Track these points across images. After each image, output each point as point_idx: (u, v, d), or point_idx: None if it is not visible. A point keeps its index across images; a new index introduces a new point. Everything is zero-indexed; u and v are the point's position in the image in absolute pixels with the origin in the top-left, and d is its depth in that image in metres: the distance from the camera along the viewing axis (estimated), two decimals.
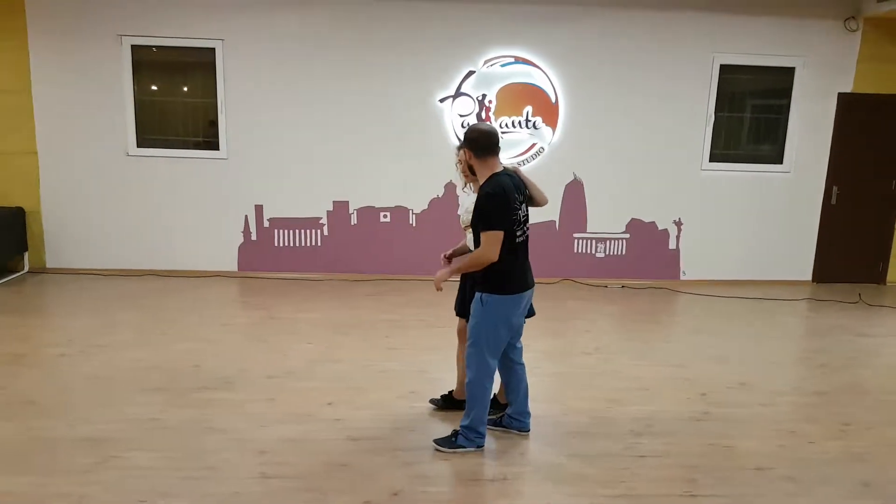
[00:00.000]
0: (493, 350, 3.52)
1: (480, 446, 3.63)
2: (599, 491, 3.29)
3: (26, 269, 7.40)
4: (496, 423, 3.87)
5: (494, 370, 3.58)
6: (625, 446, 3.74)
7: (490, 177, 3.42)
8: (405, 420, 4.02)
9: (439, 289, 3.68)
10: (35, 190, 7.30)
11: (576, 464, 3.56)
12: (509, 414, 3.87)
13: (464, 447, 3.60)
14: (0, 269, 7.15)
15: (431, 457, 3.56)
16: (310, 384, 4.50)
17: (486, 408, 3.60)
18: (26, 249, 7.36)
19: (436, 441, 3.66)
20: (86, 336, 5.38)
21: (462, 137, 3.53)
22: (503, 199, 3.33)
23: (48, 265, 7.47)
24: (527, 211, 3.54)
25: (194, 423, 3.88)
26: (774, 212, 7.90)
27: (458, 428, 3.65)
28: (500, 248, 3.34)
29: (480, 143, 3.45)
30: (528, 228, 3.54)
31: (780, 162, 7.81)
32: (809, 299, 7.34)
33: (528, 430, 3.85)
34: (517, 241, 3.43)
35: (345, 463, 3.49)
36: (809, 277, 8.07)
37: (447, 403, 4.15)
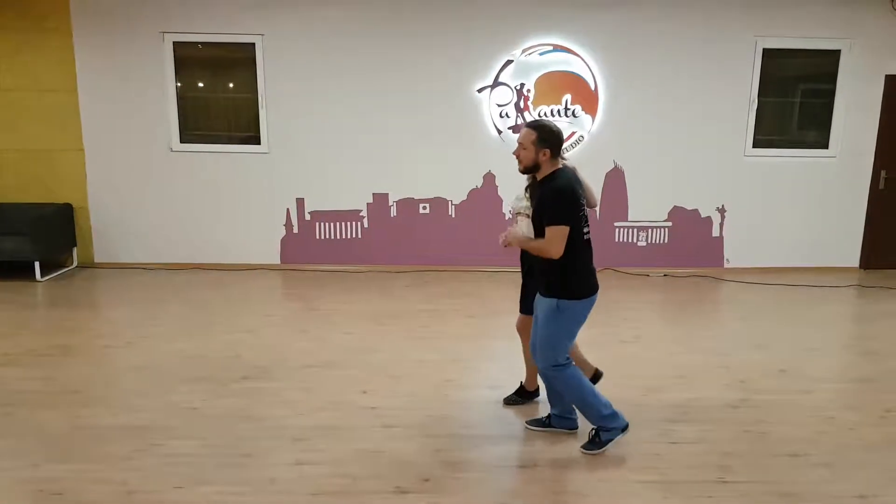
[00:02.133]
0: (563, 352, 3.45)
1: (625, 427, 3.54)
2: (631, 477, 3.27)
3: (75, 263, 7.64)
4: (543, 425, 3.78)
5: (571, 360, 3.50)
6: (659, 433, 3.70)
7: (555, 171, 3.38)
8: (439, 408, 4.05)
9: (508, 244, 3.52)
10: (82, 186, 7.53)
11: (608, 450, 3.53)
12: (555, 414, 3.76)
13: (611, 439, 3.50)
14: (51, 264, 7.39)
15: (463, 444, 3.56)
16: (346, 373, 4.56)
17: (593, 395, 3.48)
18: (75, 245, 7.60)
19: (583, 447, 3.54)
20: (131, 328, 5.54)
21: (543, 134, 3.36)
22: (572, 196, 3.29)
23: (96, 260, 7.70)
24: (586, 210, 3.45)
25: (233, 412, 3.97)
26: (820, 198, 7.69)
27: (593, 429, 3.55)
28: (564, 245, 3.28)
29: (561, 146, 3.39)
30: (589, 227, 3.46)
31: (826, 147, 7.59)
32: (857, 286, 7.14)
33: (577, 428, 3.74)
34: (584, 238, 3.38)
35: (378, 450, 3.53)
36: (857, 264, 7.84)
37: (522, 396, 4.11)
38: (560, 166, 3.41)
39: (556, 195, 3.29)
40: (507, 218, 7.35)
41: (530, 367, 4.05)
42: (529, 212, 3.57)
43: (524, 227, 3.62)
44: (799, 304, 6.46)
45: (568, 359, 3.47)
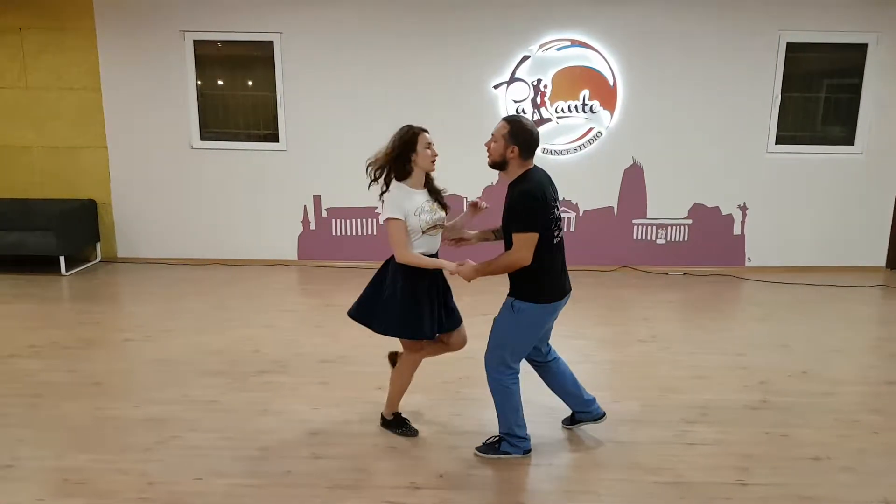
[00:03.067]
0: (516, 356, 3.32)
1: (527, 451, 3.43)
2: (647, 478, 3.25)
3: (98, 258, 7.75)
4: (572, 422, 3.73)
5: (518, 372, 3.36)
6: (676, 434, 3.68)
7: (525, 173, 3.19)
8: (453, 405, 4.07)
9: (468, 279, 3.37)
10: (105, 182, 7.62)
11: (624, 450, 3.52)
12: (575, 410, 3.70)
13: (508, 453, 3.41)
14: (75, 259, 7.50)
15: (477, 441, 3.56)
16: (362, 369, 4.58)
17: (516, 410, 3.37)
18: (98, 240, 7.70)
19: (477, 449, 3.48)
20: (152, 322, 5.60)
21: (514, 129, 3.18)
22: (542, 200, 3.08)
23: (119, 255, 7.80)
24: (559, 211, 3.25)
25: (251, 406, 4.01)
26: (845, 195, 7.57)
27: (498, 434, 3.47)
28: (532, 251, 3.09)
29: (532, 146, 3.20)
30: (562, 229, 3.29)
31: (852, 143, 7.48)
32: (883, 286, 7.02)
33: (603, 415, 3.63)
34: (554, 242, 3.18)
35: (393, 445, 3.55)
36: (883, 263, 7.71)
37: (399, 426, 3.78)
38: (531, 167, 3.21)
39: (526, 200, 3.08)
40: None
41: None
42: (443, 221, 3.45)
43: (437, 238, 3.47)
44: (822, 305, 6.37)
45: (517, 365, 3.34)
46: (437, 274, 3.46)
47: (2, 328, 5.39)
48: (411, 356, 3.56)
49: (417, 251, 3.35)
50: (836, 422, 3.87)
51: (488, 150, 3.29)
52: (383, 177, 3.39)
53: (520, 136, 3.17)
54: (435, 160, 3.45)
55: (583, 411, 3.68)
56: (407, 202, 3.31)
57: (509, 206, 3.18)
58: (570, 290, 3.37)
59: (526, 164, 3.21)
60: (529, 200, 3.09)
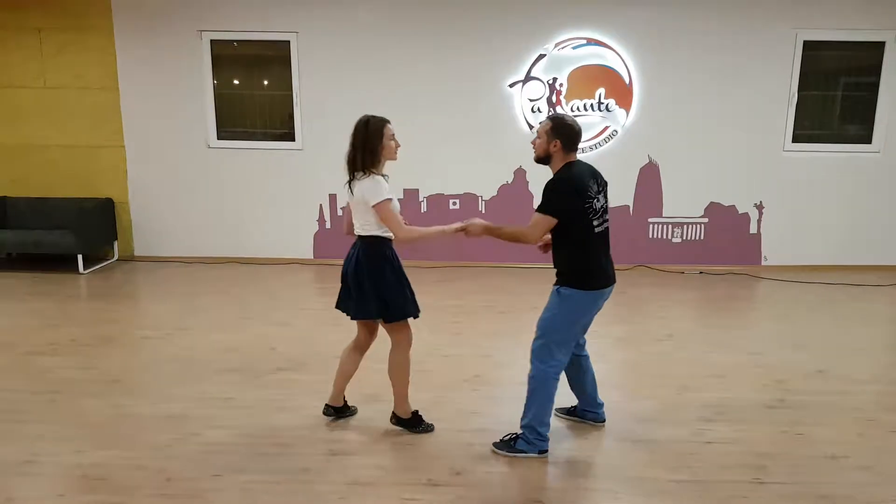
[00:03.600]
0: (563, 346, 3.37)
1: (543, 451, 3.42)
2: (664, 476, 3.24)
3: (115, 257, 7.82)
4: (569, 413, 3.80)
5: (562, 368, 3.42)
6: (693, 432, 3.67)
7: (565, 165, 3.34)
8: (468, 403, 4.07)
9: (465, 231, 3.52)
10: (123, 182, 7.69)
11: (640, 449, 3.52)
12: (581, 407, 3.77)
13: (524, 452, 3.41)
14: (92, 257, 7.57)
15: (492, 438, 3.57)
16: (377, 366, 4.53)
17: (546, 407, 3.40)
18: (116, 238, 7.77)
19: (494, 444, 3.49)
20: (170, 320, 5.65)
21: (557, 125, 3.32)
22: (569, 189, 3.23)
23: (136, 253, 7.87)
24: (605, 201, 3.37)
25: (268, 403, 4.04)
26: (863, 194, 7.51)
27: (518, 431, 3.47)
28: (542, 233, 3.31)
29: (574, 140, 3.34)
30: (607, 220, 3.39)
31: (869, 142, 7.42)
32: None
33: (604, 421, 3.74)
34: (595, 231, 3.30)
35: (410, 442, 3.57)
36: None
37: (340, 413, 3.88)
38: (573, 160, 3.36)
39: (553, 184, 3.29)
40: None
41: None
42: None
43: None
44: (839, 304, 6.33)
45: (559, 361, 3.37)
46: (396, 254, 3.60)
47: (21, 326, 5.46)
48: (404, 342, 3.66)
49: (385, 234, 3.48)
50: (853, 421, 3.85)
51: (533, 147, 3.45)
52: (361, 167, 3.43)
53: (561, 130, 3.32)
54: (397, 150, 3.56)
55: (589, 411, 3.75)
56: (387, 187, 3.43)
57: (543, 190, 3.32)
58: (615, 280, 3.44)
59: (568, 158, 3.36)
60: (558, 185, 3.28)
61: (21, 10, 7.26)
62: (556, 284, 3.39)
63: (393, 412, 3.76)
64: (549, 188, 3.29)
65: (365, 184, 3.39)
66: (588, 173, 3.33)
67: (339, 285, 3.68)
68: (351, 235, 3.62)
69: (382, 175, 3.47)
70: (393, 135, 3.50)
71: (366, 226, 3.46)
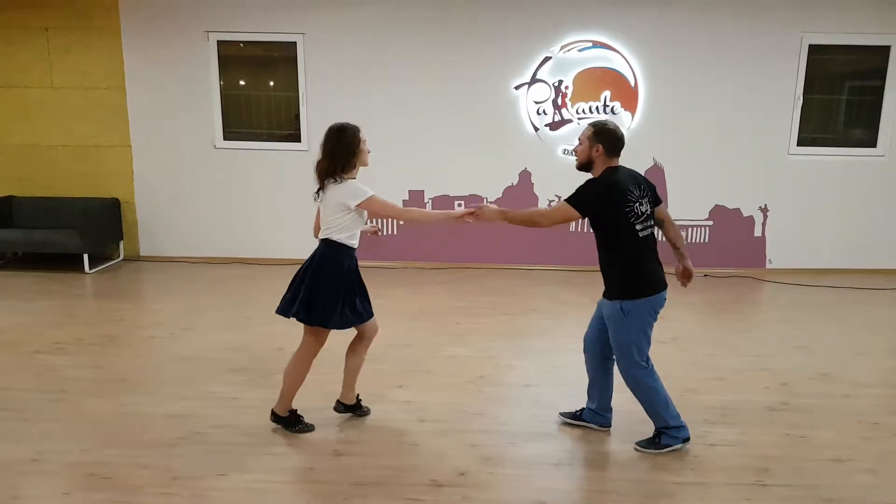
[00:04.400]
0: (642, 352, 3.42)
1: (686, 439, 3.49)
2: (667, 478, 3.25)
3: (121, 256, 7.84)
4: (574, 417, 3.79)
5: (651, 365, 3.46)
6: (696, 434, 3.65)
7: (606, 169, 3.37)
8: (473, 404, 4.08)
9: (475, 216, 3.57)
10: (129, 182, 7.72)
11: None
12: (591, 409, 3.74)
13: (670, 445, 3.46)
14: (98, 257, 7.59)
15: (497, 439, 3.58)
16: (382, 367, 4.61)
17: (666, 404, 3.45)
18: (122, 238, 7.80)
19: (638, 444, 3.53)
20: (175, 319, 5.67)
21: (598, 130, 3.38)
22: (603, 192, 3.28)
23: (142, 253, 7.89)
24: (648, 207, 3.38)
25: (274, 402, 4.01)
26: (868, 197, 7.51)
27: (657, 430, 3.52)
28: (558, 221, 3.41)
29: (616, 144, 3.37)
30: (651, 227, 3.39)
31: (874, 145, 7.42)
32: None
33: (610, 426, 3.73)
34: (640, 235, 3.32)
35: (414, 443, 3.58)
36: None
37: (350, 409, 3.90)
38: (615, 165, 3.39)
39: (591, 182, 3.35)
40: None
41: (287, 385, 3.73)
42: None
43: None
44: (844, 307, 6.32)
45: (648, 360, 3.45)
46: (355, 265, 3.62)
47: (27, 325, 5.48)
48: (312, 348, 3.65)
49: (356, 238, 3.57)
50: (858, 424, 3.85)
51: (575, 154, 3.53)
52: (335, 174, 3.48)
53: (603, 136, 3.37)
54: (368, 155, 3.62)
55: (599, 414, 3.72)
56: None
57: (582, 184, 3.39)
58: (667, 284, 3.45)
59: (610, 162, 3.39)
60: (595, 183, 3.34)
61: (28, 9, 7.30)
62: (613, 299, 3.39)
63: (272, 410, 3.73)
64: (586, 183, 3.35)
65: (341, 189, 3.44)
66: (630, 178, 3.37)
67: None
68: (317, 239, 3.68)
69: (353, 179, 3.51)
70: (365, 140, 3.57)
71: (330, 229, 3.51)
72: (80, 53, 7.40)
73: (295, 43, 7.37)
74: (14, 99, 7.54)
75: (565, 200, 3.34)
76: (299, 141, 7.61)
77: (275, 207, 7.75)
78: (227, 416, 3.87)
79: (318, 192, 3.54)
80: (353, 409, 3.88)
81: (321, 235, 3.59)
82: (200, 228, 7.82)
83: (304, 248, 7.70)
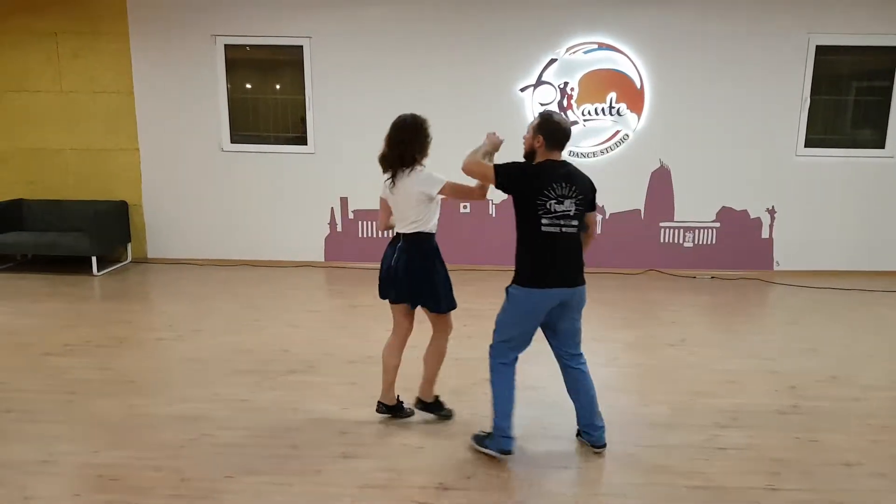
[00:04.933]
0: (509, 344, 3.40)
1: (504, 451, 3.37)
2: (677, 481, 3.24)
3: (129, 258, 7.88)
4: (577, 435, 3.66)
5: (512, 361, 3.44)
6: (706, 438, 3.66)
7: (545, 161, 3.35)
8: (479, 406, 4.06)
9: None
10: (137, 184, 7.75)
11: (653, 454, 3.51)
12: (579, 427, 3.61)
13: (487, 448, 3.42)
14: (106, 259, 7.63)
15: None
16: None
17: (506, 403, 3.39)
18: (129, 240, 7.83)
19: (473, 436, 3.55)
20: (183, 321, 5.69)
21: (542, 121, 3.38)
22: (523, 171, 3.34)
23: (149, 255, 7.93)
24: (571, 208, 3.24)
25: (281, 404, 4.05)
26: (876, 198, 7.48)
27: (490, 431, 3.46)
28: (476, 176, 3.56)
29: (557, 138, 3.34)
30: (565, 226, 3.24)
31: (882, 146, 7.39)
32: None
33: (604, 446, 3.50)
34: (542, 229, 3.24)
35: (421, 445, 3.57)
36: None
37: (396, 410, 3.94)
38: (554, 158, 3.34)
39: (519, 161, 3.42)
40: None
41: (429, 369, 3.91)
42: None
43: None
44: (852, 309, 6.30)
45: (513, 360, 3.45)
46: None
47: (36, 327, 5.51)
48: (448, 330, 3.93)
49: (434, 219, 3.72)
50: (867, 427, 3.83)
51: (524, 141, 3.52)
52: (413, 162, 3.70)
53: (545, 127, 3.36)
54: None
55: (584, 431, 3.57)
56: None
57: None
58: (573, 286, 3.33)
59: (550, 155, 3.36)
60: (520, 166, 3.39)
61: (37, 14, 7.34)
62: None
63: (418, 397, 3.88)
64: (519, 161, 3.43)
65: (417, 179, 3.59)
66: (562, 175, 3.26)
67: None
68: (386, 231, 3.82)
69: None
70: None
71: (417, 223, 3.62)
72: (88, 58, 7.44)
73: (301, 46, 7.40)
74: (23, 103, 7.58)
75: (495, 164, 3.41)
76: (306, 144, 7.63)
77: (281, 210, 7.77)
78: (235, 417, 3.87)
79: (391, 181, 3.69)
80: (432, 408, 3.92)
81: (407, 230, 3.67)
82: (208, 230, 7.85)
83: (309, 249, 7.81)
